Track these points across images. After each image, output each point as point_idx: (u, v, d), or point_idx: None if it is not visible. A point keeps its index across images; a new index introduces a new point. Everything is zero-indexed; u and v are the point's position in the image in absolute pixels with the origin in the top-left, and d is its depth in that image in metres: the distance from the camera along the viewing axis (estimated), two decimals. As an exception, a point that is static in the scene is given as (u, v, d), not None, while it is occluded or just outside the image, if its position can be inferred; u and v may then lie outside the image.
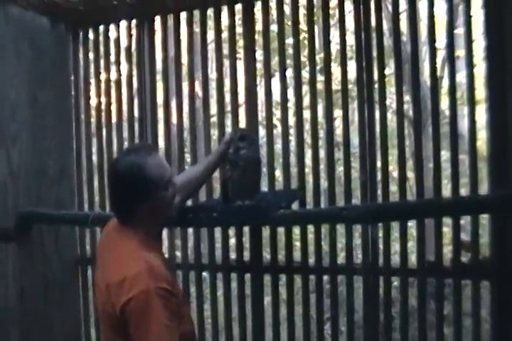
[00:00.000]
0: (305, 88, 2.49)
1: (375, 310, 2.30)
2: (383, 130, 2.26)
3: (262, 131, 2.61)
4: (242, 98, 2.50)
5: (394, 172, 2.33)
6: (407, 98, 2.45)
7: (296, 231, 2.48)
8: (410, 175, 2.35)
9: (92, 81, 2.76)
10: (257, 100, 2.48)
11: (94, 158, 2.74)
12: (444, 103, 2.30)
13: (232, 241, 2.63)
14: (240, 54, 2.57)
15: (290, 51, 2.55)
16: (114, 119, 2.70)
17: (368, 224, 2.12)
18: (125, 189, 1.54)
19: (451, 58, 2.24)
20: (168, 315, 1.42)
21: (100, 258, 1.62)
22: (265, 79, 2.44)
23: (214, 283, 2.51)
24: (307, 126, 2.41)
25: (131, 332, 1.42)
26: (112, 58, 2.72)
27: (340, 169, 2.47)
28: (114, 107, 2.69)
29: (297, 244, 2.44)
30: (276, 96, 2.49)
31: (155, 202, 1.56)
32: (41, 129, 2.56)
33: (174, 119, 2.62)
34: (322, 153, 2.48)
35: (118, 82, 2.70)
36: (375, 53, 2.31)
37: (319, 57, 2.48)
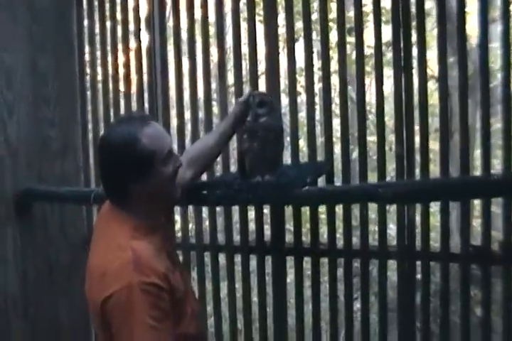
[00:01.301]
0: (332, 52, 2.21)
1: (410, 296, 2.05)
2: (423, 97, 1.97)
3: (284, 99, 2.33)
4: (262, 65, 2.23)
5: (435, 145, 2.03)
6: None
7: (323, 209, 2.22)
8: (454, 149, 2.06)
9: (98, 46, 2.51)
10: (279, 67, 2.20)
11: (102, 130, 2.50)
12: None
13: (252, 219, 2.39)
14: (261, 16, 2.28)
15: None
16: (121, 88, 2.45)
17: (405, 204, 1.85)
18: (117, 165, 1.31)
19: (505, 12, 1.92)
20: (155, 315, 1.20)
21: (91, 247, 1.40)
22: (288, 44, 2.16)
23: (232, 265, 2.30)
24: (334, 94, 2.13)
25: (113, 332, 1.22)
26: (120, 23, 2.46)
27: (372, 139, 2.20)
28: (121, 75, 2.45)
29: (323, 225, 2.18)
30: (300, 62, 2.20)
31: (153, 180, 1.33)
32: (42, 99, 2.33)
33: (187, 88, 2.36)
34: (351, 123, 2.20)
35: (126, 49, 2.45)
36: (413, 9, 2.01)
37: (348, 16, 2.18)
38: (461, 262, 1.98)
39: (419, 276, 2.06)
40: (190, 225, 2.39)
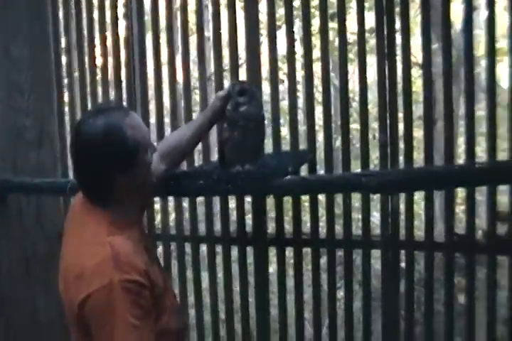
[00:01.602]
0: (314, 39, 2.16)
1: (394, 285, 2.03)
2: (406, 84, 1.94)
3: (266, 87, 2.27)
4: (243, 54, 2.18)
5: (418, 133, 2.01)
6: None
7: (305, 199, 2.18)
8: (438, 136, 2.03)
9: (74, 34, 2.43)
10: (260, 54, 2.15)
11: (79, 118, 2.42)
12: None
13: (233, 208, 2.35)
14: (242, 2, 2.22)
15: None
16: (98, 76, 2.39)
17: (389, 194, 1.83)
18: (98, 158, 1.24)
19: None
20: (137, 313, 1.16)
21: (64, 245, 1.33)
22: (269, 32, 2.11)
23: (213, 256, 2.26)
24: (317, 81, 2.09)
25: (93, 333, 1.16)
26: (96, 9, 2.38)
27: (355, 127, 2.16)
28: (99, 63, 2.38)
29: (306, 213, 2.15)
30: (282, 49, 2.15)
31: (139, 170, 1.28)
32: (16, 87, 2.24)
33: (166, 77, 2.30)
34: (334, 111, 2.17)
35: (103, 36, 2.37)
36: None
37: (331, 2, 2.13)
38: (446, 251, 1.96)
39: (403, 265, 2.04)
40: (172, 216, 2.34)
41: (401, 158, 1.98)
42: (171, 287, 1.47)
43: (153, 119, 2.34)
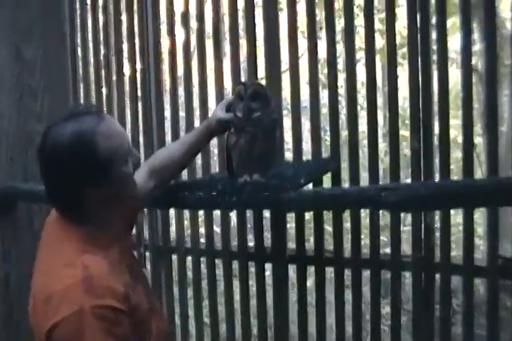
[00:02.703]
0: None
1: (428, 312, 1.79)
2: (442, 86, 1.71)
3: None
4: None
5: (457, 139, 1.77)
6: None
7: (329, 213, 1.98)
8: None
9: (90, 35, 2.32)
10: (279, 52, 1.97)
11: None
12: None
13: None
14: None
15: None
16: (114, 77, 2.27)
17: (412, 212, 1.59)
18: (71, 169, 1.09)
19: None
20: None
21: (36, 264, 1.19)
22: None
23: (229, 272, 2.09)
24: (341, 79, 1.89)
25: None
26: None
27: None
28: (114, 64, 2.27)
29: (329, 227, 1.94)
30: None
31: (114, 182, 1.13)
32: (28, 90, 2.16)
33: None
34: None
35: (118, 34, 2.25)
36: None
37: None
38: (488, 276, 1.71)
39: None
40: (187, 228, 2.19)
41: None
42: (159, 309, 1.31)
43: (168, 118, 2.20)
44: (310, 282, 2.04)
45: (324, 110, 1.99)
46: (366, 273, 1.89)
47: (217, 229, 2.23)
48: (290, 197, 1.37)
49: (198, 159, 2.00)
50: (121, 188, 1.15)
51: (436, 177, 1.75)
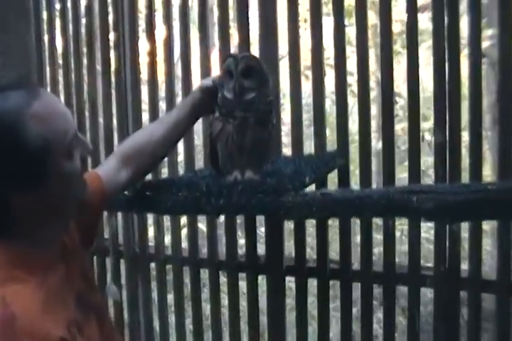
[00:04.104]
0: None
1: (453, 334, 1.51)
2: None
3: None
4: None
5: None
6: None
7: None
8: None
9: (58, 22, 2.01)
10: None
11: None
12: None
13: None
14: None
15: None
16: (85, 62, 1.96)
17: (456, 222, 1.30)
18: None
19: None
20: None
21: None
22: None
23: (216, 284, 1.80)
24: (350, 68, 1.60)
25: None
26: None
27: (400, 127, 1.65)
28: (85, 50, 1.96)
29: (335, 235, 1.65)
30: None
31: (53, 183, 0.83)
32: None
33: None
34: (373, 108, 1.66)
35: (89, 21, 1.94)
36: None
37: None
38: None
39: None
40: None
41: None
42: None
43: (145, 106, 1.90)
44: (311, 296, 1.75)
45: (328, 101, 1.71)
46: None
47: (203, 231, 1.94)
48: (293, 201, 1.08)
49: (180, 153, 1.71)
50: (64, 192, 0.85)
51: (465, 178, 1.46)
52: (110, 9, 1.89)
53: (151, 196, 1.23)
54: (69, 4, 1.95)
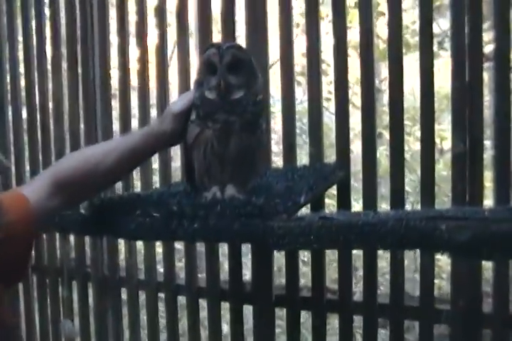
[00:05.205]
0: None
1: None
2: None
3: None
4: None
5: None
6: None
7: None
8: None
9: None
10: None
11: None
12: None
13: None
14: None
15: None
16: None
17: (499, 259, 1.06)
18: None
19: None
20: None
21: None
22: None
23: (194, 313, 1.57)
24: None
25: None
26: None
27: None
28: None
29: (333, 261, 1.43)
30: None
31: None
32: None
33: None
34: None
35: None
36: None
37: None
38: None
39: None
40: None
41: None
42: None
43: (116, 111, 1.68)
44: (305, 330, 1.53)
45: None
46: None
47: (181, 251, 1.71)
48: (284, 227, 0.85)
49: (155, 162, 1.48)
50: None
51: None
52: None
53: (111, 216, 1.00)
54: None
